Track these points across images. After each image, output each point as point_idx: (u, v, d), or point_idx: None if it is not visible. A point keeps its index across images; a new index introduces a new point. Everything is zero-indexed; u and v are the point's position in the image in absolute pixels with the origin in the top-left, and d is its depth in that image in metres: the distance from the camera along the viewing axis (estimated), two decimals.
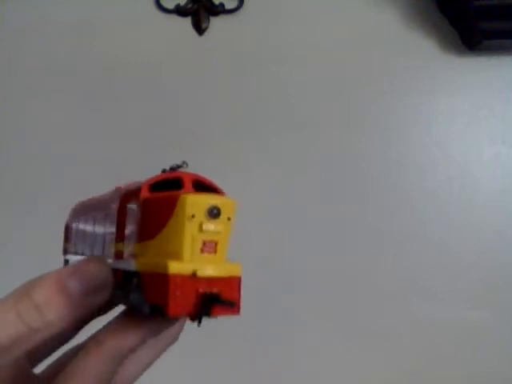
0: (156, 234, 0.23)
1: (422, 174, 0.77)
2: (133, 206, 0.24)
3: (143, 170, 0.27)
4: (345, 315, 0.75)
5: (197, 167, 0.26)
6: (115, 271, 0.25)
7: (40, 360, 0.31)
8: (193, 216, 0.22)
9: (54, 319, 0.22)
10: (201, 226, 0.22)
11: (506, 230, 0.76)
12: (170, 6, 0.79)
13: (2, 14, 0.79)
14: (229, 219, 0.23)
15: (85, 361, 0.24)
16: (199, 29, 0.79)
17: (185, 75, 0.78)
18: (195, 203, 0.22)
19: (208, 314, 0.22)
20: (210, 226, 0.22)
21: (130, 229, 0.25)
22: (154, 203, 0.23)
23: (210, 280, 0.22)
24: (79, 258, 0.30)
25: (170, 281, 0.21)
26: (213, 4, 0.79)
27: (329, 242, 0.76)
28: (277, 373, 0.74)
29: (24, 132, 0.78)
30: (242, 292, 0.23)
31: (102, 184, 0.31)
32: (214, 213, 0.22)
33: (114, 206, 0.26)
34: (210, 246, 0.22)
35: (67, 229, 0.35)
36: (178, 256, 0.22)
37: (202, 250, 0.22)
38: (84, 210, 0.32)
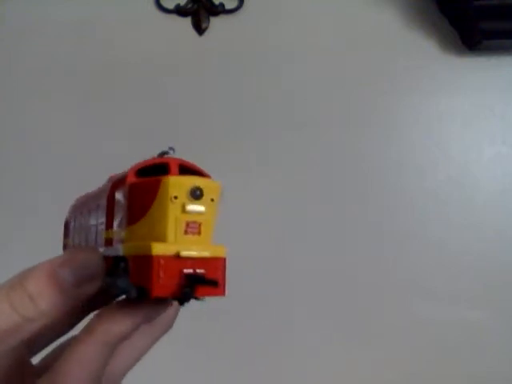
0: (141, 218, 0.23)
1: (422, 174, 0.77)
2: (120, 193, 0.25)
3: None
4: (345, 315, 0.75)
5: None
6: (106, 259, 0.25)
7: (37, 352, 0.31)
8: (175, 197, 0.22)
9: (46, 308, 0.23)
10: (184, 206, 0.22)
11: (506, 229, 0.76)
12: (170, 5, 0.79)
13: (2, 14, 0.79)
14: (212, 200, 0.23)
15: (77, 348, 0.24)
16: (199, 29, 0.79)
17: (185, 75, 0.78)
18: (177, 184, 0.22)
19: (192, 294, 0.22)
20: (193, 206, 0.22)
21: (118, 215, 0.25)
22: (140, 187, 0.24)
23: (194, 260, 0.22)
24: None
25: (154, 262, 0.21)
26: (213, 4, 0.79)
27: (329, 242, 0.76)
28: (277, 373, 0.74)
29: (24, 132, 0.78)
30: (226, 274, 0.23)
31: (102, 184, 0.31)
32: (196, 194, 0.22)
33: (105, 195, 0.26)
34: (193, 227, 0.23)
35: (66, 225, 0.36)
36: (162, 238, 0.22)
37: (186, 232, 0.22)
38: (81, 205, 0.32)
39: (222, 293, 0.23)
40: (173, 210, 0.22)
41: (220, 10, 0.79)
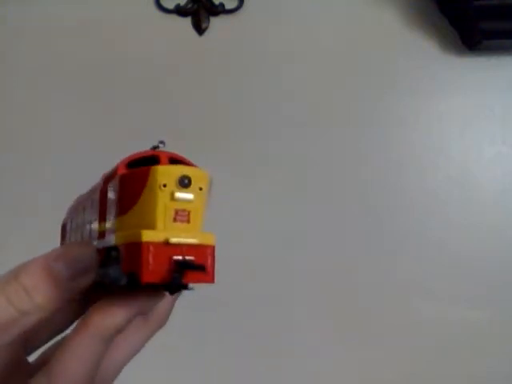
0: (132, 207, 0.24)
1: (422, 174, 0.77)
2: (112, 185, 0.25)
3: None
4: (345, 315, 0.75)
5: None
6: (99, 251, 0.25)
7: (35, 349, 0.32)
8: (164, 185, 0.22)
9: (42, 302, 0.23)
10: (172, 194, 0.23)
11: (506, 230, 0.76)
12: (170, 5, 0.79)
13: (3, 15, 0.79)
14: (201, 189, 0.23)
15: (72, 341, 0.25)
16: (199, 29, 0.79)
17: (185, 75, 0.78)
18: (166, 172, 0.23)
19: (181, 279, 0.22)
20: (182, 194, 0.23)
21: (110, 207, 0.25)
22: (130, 177, 0.24)
23: (183, 247, 0.23)
24: None
25: (143, 248, 0.22)
26: (213, 4, 0.79)
27: (329, 242, 0.76)
28: (277, 373, 0.74)
29: (24, 132, 0.78)
30: (215, 261, 0.24)
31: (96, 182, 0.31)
32: (184, 182, 0.23)
33: (98, 191, 0.27)
34: (182, 215, 0.23)
35: (63, 228, 0.36)
36: (151, 225, 0.23)
37: (175, 219, 0.23)
38: (77, 205, 0.33)
39: (211, 279, 0.23)
40: (162, 198, 0.23)
41: (220, 10, 0.79)
